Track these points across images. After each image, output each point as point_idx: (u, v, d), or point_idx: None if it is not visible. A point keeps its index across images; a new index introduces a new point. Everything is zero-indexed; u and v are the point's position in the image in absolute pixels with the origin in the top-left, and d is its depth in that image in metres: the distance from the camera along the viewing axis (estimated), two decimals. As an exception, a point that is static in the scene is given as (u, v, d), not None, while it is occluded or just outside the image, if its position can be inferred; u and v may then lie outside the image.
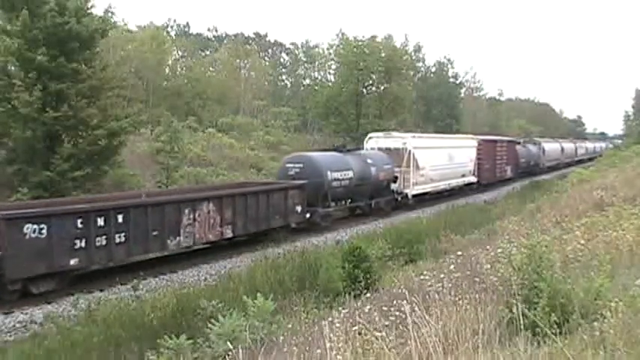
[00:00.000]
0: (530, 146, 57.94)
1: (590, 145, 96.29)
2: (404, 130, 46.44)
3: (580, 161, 77.69)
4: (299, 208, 22.67)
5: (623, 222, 10.97)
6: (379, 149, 31.21)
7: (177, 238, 17.51)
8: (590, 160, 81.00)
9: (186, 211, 17.80)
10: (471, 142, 41.55)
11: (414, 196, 31.69)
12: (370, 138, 33.21)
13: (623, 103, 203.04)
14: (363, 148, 31.89)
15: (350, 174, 26.10)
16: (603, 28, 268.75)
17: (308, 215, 23.40)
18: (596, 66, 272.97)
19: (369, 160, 28.11)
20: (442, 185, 35.72)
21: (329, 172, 24.71)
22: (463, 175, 38.81)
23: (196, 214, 18.13)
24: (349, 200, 27.52)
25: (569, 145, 76.99)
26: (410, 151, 31.36)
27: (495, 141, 46.98)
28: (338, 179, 25.29)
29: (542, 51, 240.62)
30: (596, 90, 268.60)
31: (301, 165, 24.62)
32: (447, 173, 36.08)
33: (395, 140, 32.35)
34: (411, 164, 31.29)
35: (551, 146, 65.87)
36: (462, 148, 39.48)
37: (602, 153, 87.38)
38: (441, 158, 35.09)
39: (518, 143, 54.50)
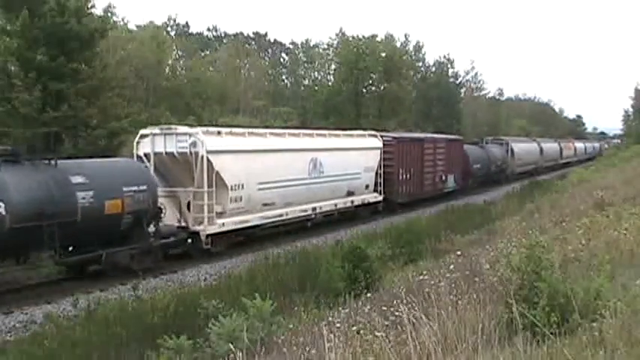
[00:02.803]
0: (491, 147, 46.59)
1: (580, 145, 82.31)
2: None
3: (567, 164, 67.34)
4: None
5: (623, 222, 10.97)
6: (157, 155, 18.93)
7: None
8: (579, 163, 71.13)
9: None
10: (368, 142, 28.33)
11: (215, 236, 18.87)
12: (143, 137, 19.41)
13: (623, 103, 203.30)
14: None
15: None
16: (604, 27, 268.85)
17: None
18: (596, 65, 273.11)
19: (75, 179, 14.93)
20: (296, 212, 22.35)
21: None
22: (350, 193, 26.01)
23: None
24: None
25: (550, 146, 64.56)
26: (203, 157, 18.41)
27: (422, 140, 33.93)
28: None
29: (543, 49, 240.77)
30: (596, 89, 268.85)
31: None
32: (309, 191, 22.98)
33: (180, 139, 18.90)
34: (207, 180, 18.43)
35: (523, 147, 53.63)
36: (345, 151, 25.85)
37: (598, 155, 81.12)
38: (291, 168, 21.98)
39: (476, 143, 45.00)
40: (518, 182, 44.88)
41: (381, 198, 28.38)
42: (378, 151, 28.33)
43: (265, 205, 20.87)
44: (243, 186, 19.95)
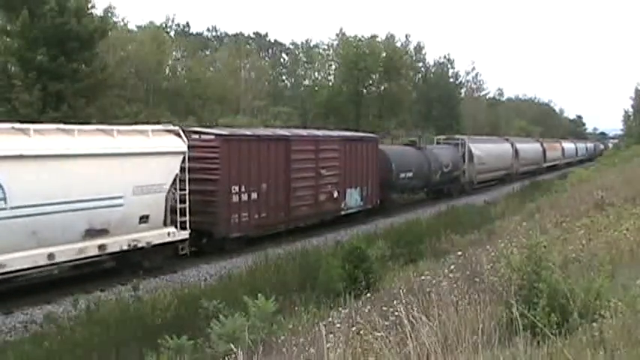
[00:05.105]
0: (436, 149, 36.34)
1: (569, 146, 71.51)
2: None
3: (552, 168, 58.79)
4: None
5: (623, 222, 10.99)
6: None
7: None
8: (569, 166, 62.47)
9: None
10: (152, 143, 16.29)
11: None
12: None
13: (623, 103, 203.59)
14: None
15: None
16: (604, 27, 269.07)
17: None
18: (596, 65, 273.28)
19: None
20: None
21: None
22: (97, 233, 14.69)
23: None
24: None
25: (529, 147, 54.21)
26: None
27: (286, 139, 22.38)
28: None
29: (543, 49, 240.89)
30: (596, 89, 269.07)
31: None
32: None
33: None
34: None
35: (487, 148, 42.60)
36: (77, 159, 14.29)
37: (597, 156, 76.27)
38: None
39: (412, 144, 35.13)
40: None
41: (184, 235, 17.09)
42: (178, 158, 16.90)
43: None
44: None
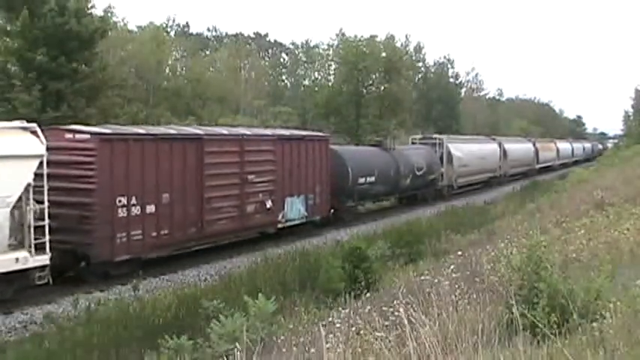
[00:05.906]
0: (408, 150, 32.86)
1: (565, 146, 67.59)
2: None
3: (545, 169, 55.95)
4: None
5: (623, 222, 11.00)
6: None
7: None
8: (564, 167, 60.11)
9: None
10: None
11: None
12: None
13: (623, 103, 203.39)
14: None
15: None
16: (604, 28, 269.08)
17: None
18: (596, 65, 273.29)
19: None
20: None
21: None
22: None
23: None
24: None
25: (519, 147, 50.55)
26: None
27: (198, 139, 18.42)
28: None
29: (543, 50, 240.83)
30: (597, 90, 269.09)
31: None
32: None
33: None
34: None
35: (469, 149, 38.76)
36: None
37: (596, 156, 75.35)
38: None
39: (378, 144, 31.05)
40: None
41: (41, 260, 13.26)
42: (32, 163, 13.36)
43: None
44: None
